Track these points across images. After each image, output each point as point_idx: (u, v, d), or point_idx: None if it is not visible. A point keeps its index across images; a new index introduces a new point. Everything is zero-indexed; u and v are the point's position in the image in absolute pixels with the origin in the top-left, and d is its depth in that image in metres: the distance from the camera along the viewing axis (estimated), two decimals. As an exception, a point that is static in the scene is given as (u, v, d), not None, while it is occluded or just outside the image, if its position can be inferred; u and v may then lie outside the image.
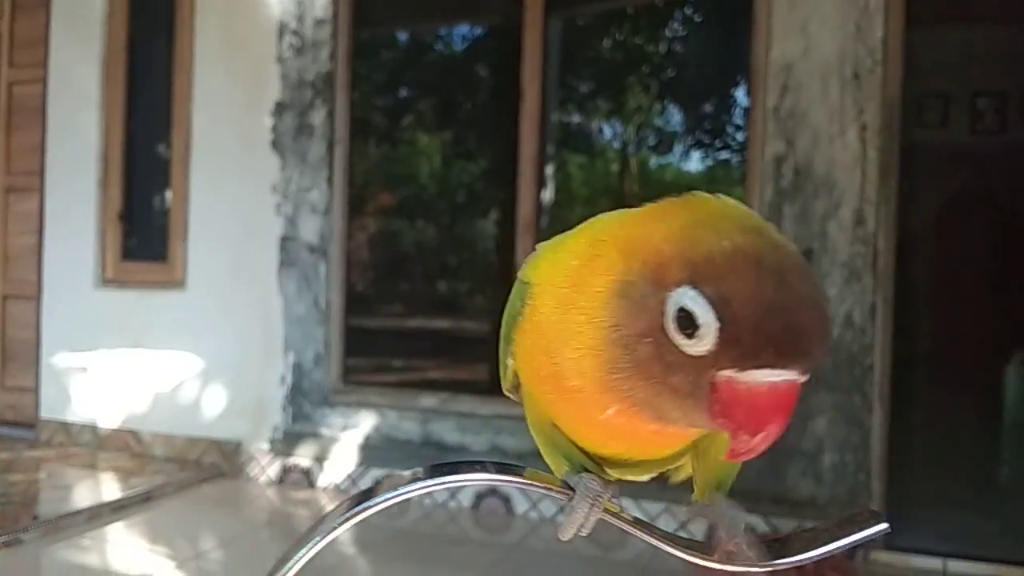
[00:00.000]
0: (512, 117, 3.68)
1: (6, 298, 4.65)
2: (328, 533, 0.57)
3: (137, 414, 4.18)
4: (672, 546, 0.62)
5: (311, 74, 3.85)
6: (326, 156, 3.84)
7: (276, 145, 3.91)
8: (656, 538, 0.63)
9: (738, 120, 3.73)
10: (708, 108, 4.07)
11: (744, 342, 0.49)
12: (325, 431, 3.83)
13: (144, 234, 4.30)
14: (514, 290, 0.65)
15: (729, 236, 0.51)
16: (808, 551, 0.57)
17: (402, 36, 4.52)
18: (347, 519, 0.57)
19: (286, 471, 3.87)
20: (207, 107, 4.06)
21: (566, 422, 0.64)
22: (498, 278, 4.01)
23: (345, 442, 3.79)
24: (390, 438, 3.73)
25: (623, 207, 0.61)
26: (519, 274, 0.65)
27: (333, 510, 0.60)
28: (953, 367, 6.13)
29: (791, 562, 0.58)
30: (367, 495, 0.58)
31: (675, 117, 4.13)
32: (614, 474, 0.70)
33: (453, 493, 3.62)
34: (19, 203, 4.57)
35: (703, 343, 0.49)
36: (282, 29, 3.89)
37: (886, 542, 3.13)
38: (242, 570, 2.82)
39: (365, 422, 3.78)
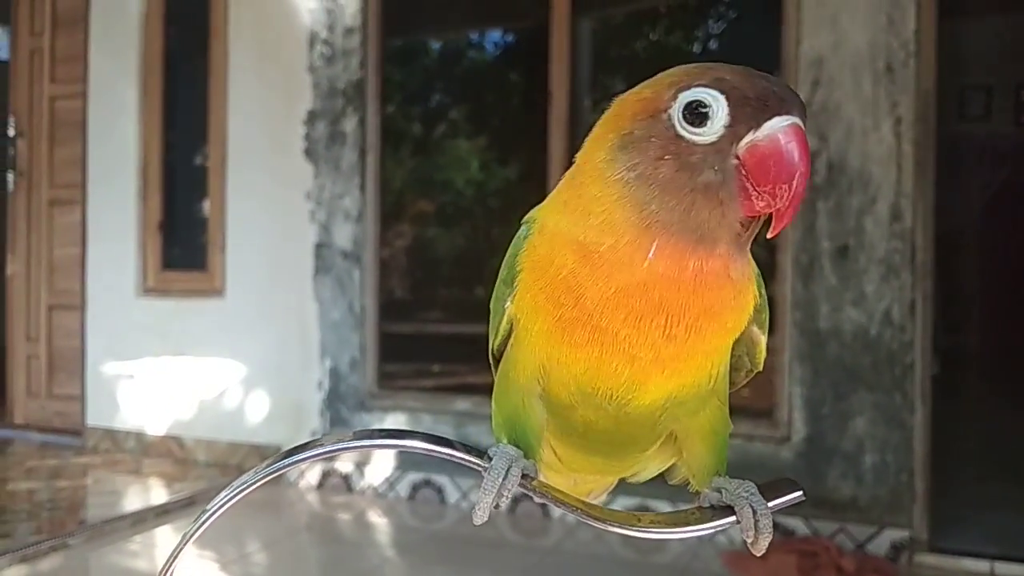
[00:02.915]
0: (543, 121, 3.67)
1: (52, 308, 4.77)
2: (255, 482, 0.61)
3: (180, 420, 4.26)
4: (612, 523, 0.61)
5: (342, 82, 3.89)
6: (358, 163, 3.87)
7: (309, 153, 3.96)
8: (593, 516, 0.60)
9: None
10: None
11: (751, 98, 0.54)
12: (362, 435, 3.85)
13: (184, 243, 4.38)
14: (514, 241, 0.65)
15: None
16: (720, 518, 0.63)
17: (434, 43, 4.54)
18: (276, 469, 0.61)
19: (325, 476, 3.91)
20: (242, 116, 4.13)
21: (580, 332, 0.58)
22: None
23: (382, 446, 3.82)
24: (426, 442, 3.74)
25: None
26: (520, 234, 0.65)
27: (263, 463, 0.63)
28: (998, 364, 5.97)
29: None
30: (298, 449, 0.62)
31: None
32: (579, 475, 0.70)
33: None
34: (63, 215, 4.69)
35: (717, 121, 0.54)
36: (313, 38, 3.94)
37: (931, 544, 3.06)
38: (283, 572, 2.86)
39: (401, 426, 3.80)
